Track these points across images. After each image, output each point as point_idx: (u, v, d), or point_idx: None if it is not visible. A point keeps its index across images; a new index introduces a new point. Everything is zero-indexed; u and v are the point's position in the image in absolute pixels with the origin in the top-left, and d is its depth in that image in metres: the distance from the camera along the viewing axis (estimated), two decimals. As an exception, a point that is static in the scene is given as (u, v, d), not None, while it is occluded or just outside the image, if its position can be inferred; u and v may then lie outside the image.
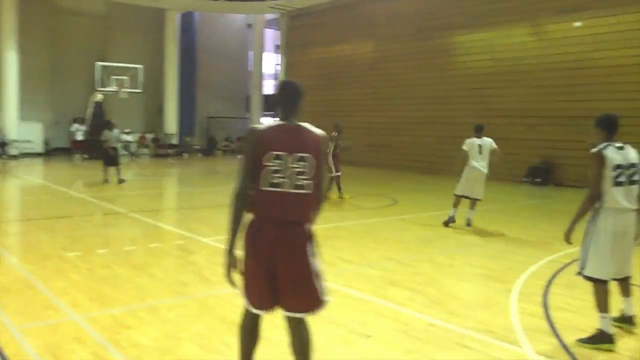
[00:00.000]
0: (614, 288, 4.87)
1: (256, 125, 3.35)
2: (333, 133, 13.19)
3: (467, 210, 10.10)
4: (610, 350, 4.54)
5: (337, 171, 13.09)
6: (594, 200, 4.72)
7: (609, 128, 4.80)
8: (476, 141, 9.98)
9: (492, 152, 10.03)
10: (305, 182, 3.23)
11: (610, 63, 16.95)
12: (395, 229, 10.02)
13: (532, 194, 16.40)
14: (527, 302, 5.76)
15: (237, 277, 3.33)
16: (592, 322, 5.20)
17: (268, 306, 3.33)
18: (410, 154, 22.49)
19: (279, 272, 3.22)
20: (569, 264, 7.44)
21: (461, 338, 4.77)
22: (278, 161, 3.19)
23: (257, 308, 3.34)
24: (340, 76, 26.22)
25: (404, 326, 5.03)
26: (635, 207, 4.74)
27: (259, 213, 3.26)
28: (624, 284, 4.96)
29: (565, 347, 4.59)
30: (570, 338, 4.78)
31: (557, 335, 4.85)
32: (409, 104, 22.85)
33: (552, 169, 18.27)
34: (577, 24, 18.01)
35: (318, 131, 3.36)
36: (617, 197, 4.64)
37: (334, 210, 11.87)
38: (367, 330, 4.90)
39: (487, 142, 10.06)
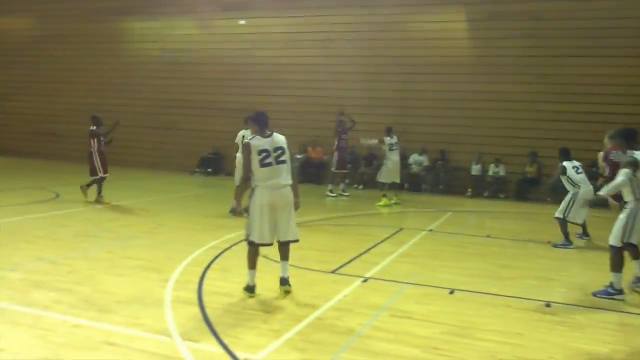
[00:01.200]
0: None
1: None
2: (92, 127, 11.52)
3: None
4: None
5: (105, 172, 11.50)
6: (246, 180, 5.68)
7: (261, 124, 5.72)
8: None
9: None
10: None
11: (271, 61, 18.48)
12: (53, 225, 9.14)
13: (203, 184, 16.93)
14: (182, 290, 5.80)
15: None
16: (244, 302, 5.53)
17: None
18: (80, 143, 20.92)
19: None
20: (227, 249, 7.81)
21: (108, 336, 4.52)
22: None
23: None
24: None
25: (44, 332, 4.55)
26: (286, 183, 5.59)
27: None
28: (284, 249, 5.82)
29: (213, 331, 4.71)
30: (219, 320, 4.95)
31: (206, 320, 4.97)
32: (78, 90, 21.24)
33: (222, 159, 19.13)
34: (242, 22, 19.17)
35: None
36: (265, 176, 5.51)
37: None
38: (-3, 343, 4.28)
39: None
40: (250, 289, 5.68)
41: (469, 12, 16.54)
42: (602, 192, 6.51)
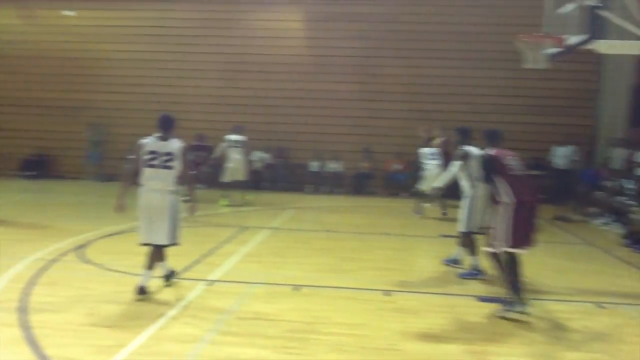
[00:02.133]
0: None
1: None
2: None
3: None
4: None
5: None
6: (131, 175, 5.83)
7: (160, 126, 5.80)
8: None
9: None
10: None
11: (104, 56, 17.34)
12: None
13: (26, 188, 15.36)
14: (1, 310, 5.15)
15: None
16: (76, 319, 5.05)
17: None
18: None
19: None
20: (54, 260, 7.13)
21: None
22: None
23: None
24: None
25: None
26: (167, 188, 5.66)
27: None
28: (154, 255, 5.84)
29: (39, 352, 4.24)
30: (47, 341, 4.46)
31: (31, 341, 4.46)
32: None
33: (48, 161, 17.57)
34: (69, 12, 17.72)
35: None
36: (147, 176, 5.71)
37: None
38: None
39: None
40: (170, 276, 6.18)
41: (305, 12, 16.91)
42: (437, 183, 7.14)
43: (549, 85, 15.30)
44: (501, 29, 15.19)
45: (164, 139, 5.75)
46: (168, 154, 5.69)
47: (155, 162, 5.67)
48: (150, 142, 5.74)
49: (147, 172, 5.69)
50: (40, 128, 17.42)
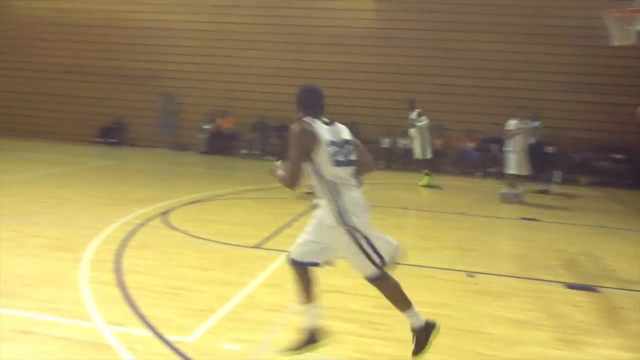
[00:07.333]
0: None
1: None
2: None
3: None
4: None
5: None
6: None
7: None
8: None
9: None
10: None
11: (173, 26, 17.65)
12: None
13: (106, 155, 15.98)
14: (98, 270, 5.40)
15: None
16: (166, 281, 5.23)
17: None
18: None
19: None
20: (142, 224, 7.40)
21: (21, 323, 4.10)
22: None
23: None
24: None
25: (-57, 323, 4.05)
26: None
27: None
28: None
29: (137, 311, 4.42)
30: (142, 301, 4.64)
31: (129, 301, 4.65)
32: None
33: (125, 129, 18.18)
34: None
35: None
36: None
37: None
38: None
39: None
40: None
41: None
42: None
43: (618, 63, 14.53)
44: (570, 3, 14.60)
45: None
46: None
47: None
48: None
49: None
50: (114, 97, 17.98)
